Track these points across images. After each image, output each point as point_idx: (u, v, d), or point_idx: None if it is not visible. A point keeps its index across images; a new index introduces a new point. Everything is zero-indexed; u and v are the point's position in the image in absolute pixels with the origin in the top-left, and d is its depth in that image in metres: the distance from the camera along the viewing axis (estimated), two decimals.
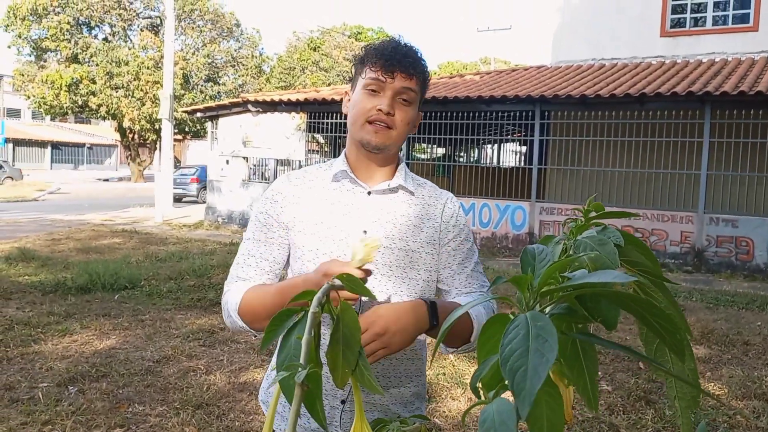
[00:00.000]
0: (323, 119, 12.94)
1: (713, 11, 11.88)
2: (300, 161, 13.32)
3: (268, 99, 13.13)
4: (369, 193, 1.42)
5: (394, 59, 1.34)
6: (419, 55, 1.40)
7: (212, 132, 14.50)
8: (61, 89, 27.25)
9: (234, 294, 1.39)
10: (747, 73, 10.16)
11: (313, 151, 14.48)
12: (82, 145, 45.28)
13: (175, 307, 6.20)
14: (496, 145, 17.91)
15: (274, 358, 1.54)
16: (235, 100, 14.21)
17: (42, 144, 42.46)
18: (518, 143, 18.84)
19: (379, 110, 1.34)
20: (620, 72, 11.62)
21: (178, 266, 8.33)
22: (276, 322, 0.79)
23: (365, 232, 1.39)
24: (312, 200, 1.43)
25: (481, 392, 0.61)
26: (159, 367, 4.45)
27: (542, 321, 0.55)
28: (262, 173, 14.02)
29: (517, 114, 11.24)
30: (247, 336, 5.30)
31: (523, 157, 17.60)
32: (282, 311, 0.80)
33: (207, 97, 30.14)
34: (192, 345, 4.97)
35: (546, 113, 11.10)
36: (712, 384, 4.43)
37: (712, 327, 5.88)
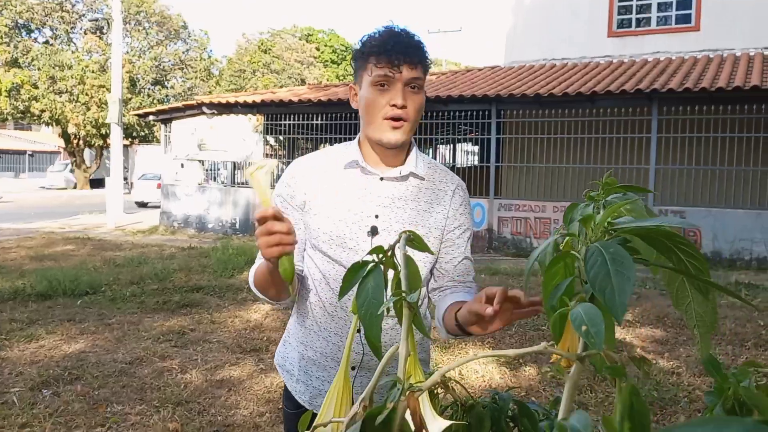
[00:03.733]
0: (281, 120, 12.89)
1: (657, 12, 12.38)
2: None
3: (223, 101, 12.99)
4: (381, 179, 1.46)
5: (399, 52, 1.36)
6: (418, 39, 1.43)
7: (166, 135, 14.26)
8: (0, 94, 26.27)
9: (251, 272, 1.46)
10: (691, 70, 10.63)
11: (273, 155, 14.39)
12: (23, 152, 43.70)
13: (140, 311, 6.11)
14: (450, 145, 18.16)
15: (289, 323, 1.60)
16: (189, 102, 14.01)
17: None
18: (471, 143, 19.16)
19: (394, 105, 1.37)
20: (571, 71, 11.98)
21: (138, 271, 8.19)
22: (350, 274, 0.86)
23: (377, 216, 1.43)
24: (325, 185, 1.47)
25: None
26: (132, 368, 4.39)
27: (613, 248, 0.64)
28: (215, 177, 13.87)
29: (473, 113, 11.46)
30: (219, 335, 5.28)
31: (476, 157, 17.91)
32: (354, 264, 0.87)
33: (155, 101, 29.54)
34: (164, 346, 4.92)
35: (501, 112, 11.35)
36: (672, 363, 4.66)
37: (667, 311, 6.16)
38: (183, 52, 32.64)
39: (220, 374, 4.33)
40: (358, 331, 1.22)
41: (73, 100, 27.23)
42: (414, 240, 0.94)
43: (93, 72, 27.58)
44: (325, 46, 41.10)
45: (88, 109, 27.40)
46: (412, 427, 0.56)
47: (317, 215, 1.45)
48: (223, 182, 13.71)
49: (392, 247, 0.90)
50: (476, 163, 15.92)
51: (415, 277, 0.88)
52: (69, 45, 29.88)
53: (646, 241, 0.71)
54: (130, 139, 31.07)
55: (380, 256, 0.86)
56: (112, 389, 3.96)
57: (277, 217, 1.10)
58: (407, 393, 0.57)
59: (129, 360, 4.55)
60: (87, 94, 27.15)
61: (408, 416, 0.57)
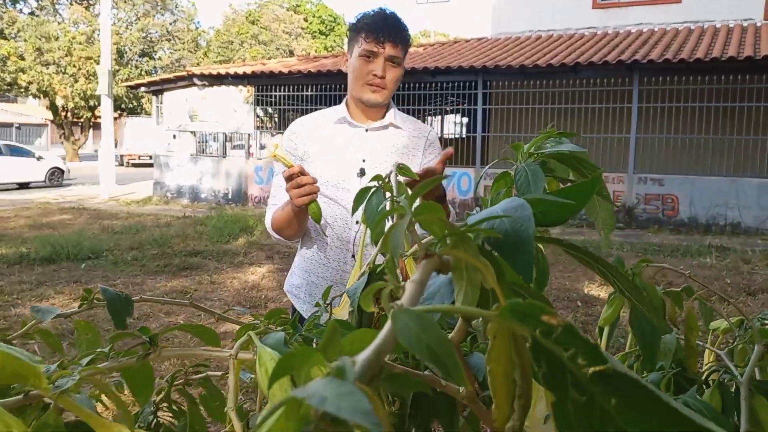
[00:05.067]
0: (271, 92, 13.08)
1: None
2: (249, 134, 13.46)
3: (214, 72, 13.15)
4: (366, 130, 1.81)
5: (385, 32, 1.70)
6: (403, 24, 1.77)
7: (157, 107, 14.41)
8: None
9: (269, 216, 1.80)
10: (672, 42, 10.92)
11: (262, 127, 14.58)
12: (10, 125, 43.40)
13: (143, 273, 6.42)
14: (438, 116, 18.40)
15: (295, 258, 1.92)
16: (179, 73, 14.14)
17: None
18: (459, 114, 19.39)
19: (375, 75, 1.72)
20: (556, 43, 12.23)
21: (137, 237, 8.47)
22: (360, 195, 1.17)
23: (364, 160, 1.77)
24: (320, 138, 1.81)
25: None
26: (140, 323, 4.72)
27: (533, 167, 0.96)
28: (205, 149, 14.09)
29: (460, 84, 11.71)
30: (220, 294, 5.61)
31: (463, 128, 18.17)
32: (362, 189, 1.18)
33: (143, 72, 29.46)
34: (168, 304, 5.24)
35: (488, 83, 11.61)
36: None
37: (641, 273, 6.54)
38: (170, 24, 32.45)
39: (223, 327, 4.67)
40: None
41: (61, 72, 27.13)
42: (403, 169, 1.26)
43: (80, 43, 27.43)
44: (313, 17, 40.89)
45: (76, 81, 27.32)
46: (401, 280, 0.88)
47: (315, 163, 1.78)
48: (216, 153, 13.91)
49: (388, 176, 1.22)
50: (464, 134, 16.20)
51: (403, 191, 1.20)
52: (55, 16, 29.63)
53: (560, 162, 1.03)
54: (118, 112, 31.03)
55: (379, 182, 1.18)
56: (125, 341, 4.28)
57: (303, 173, 1.45)
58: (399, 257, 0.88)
59: (137, 315, 4.86)
60: (75, 66, 27.05)
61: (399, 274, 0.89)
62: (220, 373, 1.04)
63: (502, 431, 0.42)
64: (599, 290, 5.79)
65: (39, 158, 18.30)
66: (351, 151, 1.78)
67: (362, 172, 1.75)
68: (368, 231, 1.20)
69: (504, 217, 0.48)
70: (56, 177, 18.44)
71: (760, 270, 6.68)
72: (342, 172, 1.76)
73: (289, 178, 1.48)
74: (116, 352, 0.71)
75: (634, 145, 10.36)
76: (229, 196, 13.42)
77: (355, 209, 1.16)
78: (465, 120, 18.25)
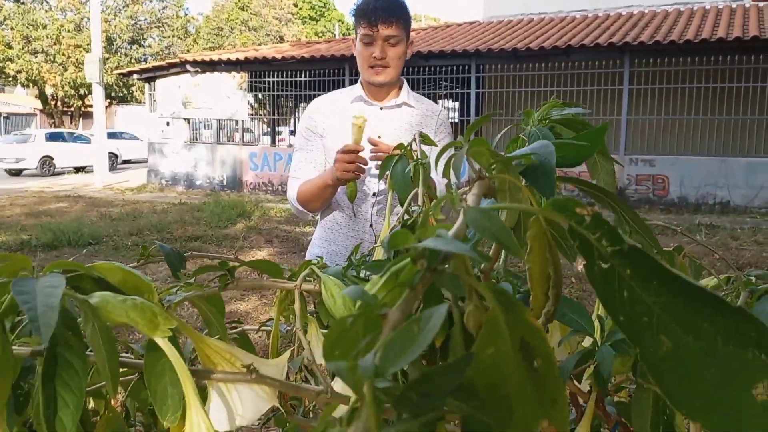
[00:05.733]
0: (265, 78, 13.11)
1: None
2: (243, 120, 13.50)
3: (206, 59, 13.16)
4: (381, 108, 1.93)
5: (376, 15, 1.80)
6: (395, 3, 1.85)
7: (150, 94, 14.41)
8: None
9: (293, 189, 1.92)
10: (662, 24, 11.03)
11: (256, 115, 14.61)
12: None
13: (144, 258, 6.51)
14: (432, 101, 18.45)
15: (315, 231, 2.04)
16: (172, 60, 14.14)
17: None
18: (452, 99, 19.47)
19: (374, 57, 1.83)
20: (548, 26, 12.32)
21: (135, 224, 8.56)
22: (386, 162, 1.28)
23: (379, 136, 1.88)
24: (338, 115, 1.92)
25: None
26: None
27: (544, 130, 1.07)
28: (197, 136, 14.12)
29: (453, 68, 11.79)
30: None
31: (456, 112, 18.25)
32: (388, 157, 1.29)
33: (132, 60, 29.28)
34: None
35: (480, 67, 11.69)
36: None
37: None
38: (159, 10, 32.21)
39: (228, 308, 4.79)
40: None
41: (50, 61, 26.94)
42: (423, 137, 1.37)
43: (69, 31, 27.22)
44: (303, 2, 40.68)
45: (66, 69, 27.14)
46: None
47: (334, 138, 1.90)
48: (212, 140, 13.93)
49: (410, 144, 1.34)
50: (457, 117, 16.30)
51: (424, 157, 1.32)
52: (42, 4, 29.34)
53: (566, 127, 1.14)
54: (109, 100, 30.88)
55: (402, 150, 1.30)
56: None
57: (360, 152, 1.61)
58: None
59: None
60: (63, 54, 26.86)
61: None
62: (254, 327, 1.16)
63: (538, 316, 0.54)
64: None
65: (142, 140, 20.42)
66: (367, 127, 1.89)
67: None
68: (389, 195, 1.32)
69: (533, 154, 0.60)
70: (111, 162, 19.49)
71: (748, 246, 6.86)
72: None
73: (347, 151, 1.63)
74: (198, 284, 0.82)
75: (626, 127, 10.50)
76: (224, 183, 13.49)
77: (381, 174, 1.28)
78: (457, 105, 18.34)
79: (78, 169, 19.24)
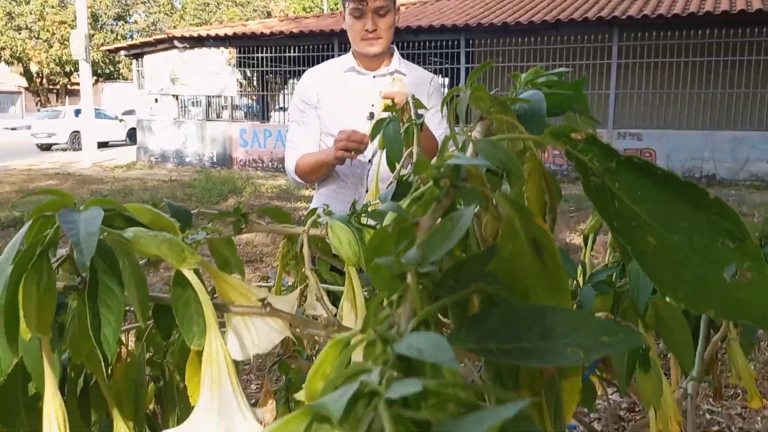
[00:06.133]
0: (253, 53, 13.02)
1: None
2: (233, 97, 13.43)
3: (194, 34, 13.04)
4: (374, 77, 1.97)
5: None
6: None
7: (138, 70, 14.28)
8: None
9: (291, 161, 1.97)
10: None
11: (244, 93, 14.52)
12: None
13: None
14: None
15: (313, 198, 2.09)
16: (160, 36, 14.00)
17: None
18: (442, 74, 19.41)
19: (366, 30, 1.86)
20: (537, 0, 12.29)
21: (126, 200, 8.48)
22: (377, 125, 1.34)
23: (372, 105, 1.92)
24: (331, 86, 1.97)
25: None
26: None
27: (533, 91, 1.13)
28: (186, 113, 14.04)
29: (442, 43, 11.76)
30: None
31: (445, 88, 18.19)
32: (378, 120, 1.34)
33: (119, 37, 28.91)
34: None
35: (470, 42, 11.68)
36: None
37: None
38: None
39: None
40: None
41: (34, 37, 26.55)
42: (416, 102, 1.42)
43: (53, 7, 26.78)
44: None
45: (51, 46, 26.78)
46: None
47: (328, 108, 1.95)
48: (202, 116, 13.86)
49: (401, 106, 1.39)
50: (446, 92, 16.28)
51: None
52: None
53: (550, 88, 1.20)
54: (94, 77, 30.51)
55: (393, 113, 1.35)
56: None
57: (364, 141, 1.66)
58: None
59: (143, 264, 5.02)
60: (48, 31, 26.47)
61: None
62: (256, 284, 1.22)
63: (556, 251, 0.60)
64: (579, 239, 6.04)
65: (120, 120, 20.95)
66: (360, 96, 1.93)
67: (371, 116, 1.90)
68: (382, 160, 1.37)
69: (525, 101, 0.66)
70: (134, 137, 19.73)
71: None
72: (352, 116, 1.91)
73: (355, 134, 1.67)
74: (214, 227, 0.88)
75: (614, 101, 10.56)
76: (215, 159, 13.46)
77: (374, 135, 1.33)
78: (446, 80, 18.31)
79: (101, 144, 19.08)
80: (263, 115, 14.33)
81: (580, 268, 1.12)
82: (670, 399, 1.00)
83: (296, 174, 1.94)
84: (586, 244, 1.26)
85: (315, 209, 0.89)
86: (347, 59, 1.99)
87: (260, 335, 0.78)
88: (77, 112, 19.57)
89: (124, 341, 1.00)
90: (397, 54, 2.02)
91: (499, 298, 0.40)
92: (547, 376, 0.41)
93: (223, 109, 14.09)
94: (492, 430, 0.25)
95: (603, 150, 0.49)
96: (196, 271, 0.68)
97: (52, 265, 0.73)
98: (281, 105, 14.77)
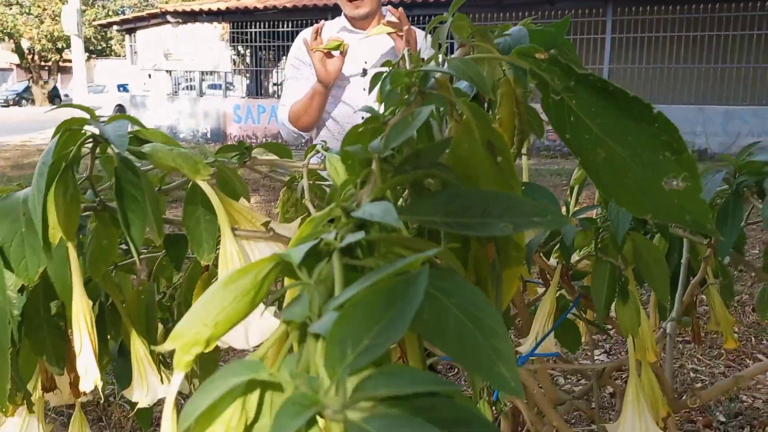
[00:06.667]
0: (247, 29, 12.96)
1: None
2: (227, 72, 13.39)
3: (188, 9, 12.97)
4: (366, 36, 2.03)
5: None
6: None
7: (131, 46, 14.21)
8: None
9: (284, 112, 2.04)
10: None
11: (238, 70, 14.46)
12: None
13: None
14: None
15: None
16: (152, 11, 13.90)
17: None
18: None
19: None
20: None
21: None
22: (375, 77, 1.40)
23: (366, 62, 2.00)
24: (324, 44, 2.01)
25: None
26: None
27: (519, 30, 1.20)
28: (189, 86, 13.99)
29: (433, 18, 11.72)
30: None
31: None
32: (377, 73, 1.41)
33: (110, 12, 28.62)
34: (171, 228, 5.46)
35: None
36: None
37: None
38: None
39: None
40: None
41: (25, 13, 26.26)
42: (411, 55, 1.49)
43: None
44: None
45: (42, 22, 26.50)
46: None
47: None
48: (194, 90, 13.82)
49: (397, 63, 1.46)
50: None
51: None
52: None
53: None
54: (87, 54, 30.24)
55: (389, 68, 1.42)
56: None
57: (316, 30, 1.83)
58: None
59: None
60: (39, 6, 26.18)
61: None
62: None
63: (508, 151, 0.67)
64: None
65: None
66: (354, 53, 1.99)
67: (364, 72, 1.98)
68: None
69: (509, 35, 0.73)
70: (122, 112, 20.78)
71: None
72: (347, 71, 1.98)
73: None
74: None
75: (608, 76, 10.60)
76: (209, 135, 13.46)
77: (372, 87, 1.40)
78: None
79: None
80: (257, 91, 14.30)
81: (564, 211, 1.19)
82: (647, 329, 1.08)
83: (290, 120, 2.00)
84: (571, 195, 1.34)
85: (314, 145, 0.96)
86: (340, 20, 2.07)
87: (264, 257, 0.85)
88: (120, 87, 20.80)
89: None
90: (388, 13, 2.07)
91: (450, 184, 0.47)
92: (490, 261, 0.49)
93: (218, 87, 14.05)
94: (413, 265, 0.32)
95: (563, 69, 0.56)
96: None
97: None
98: (275, 81, 14.73)
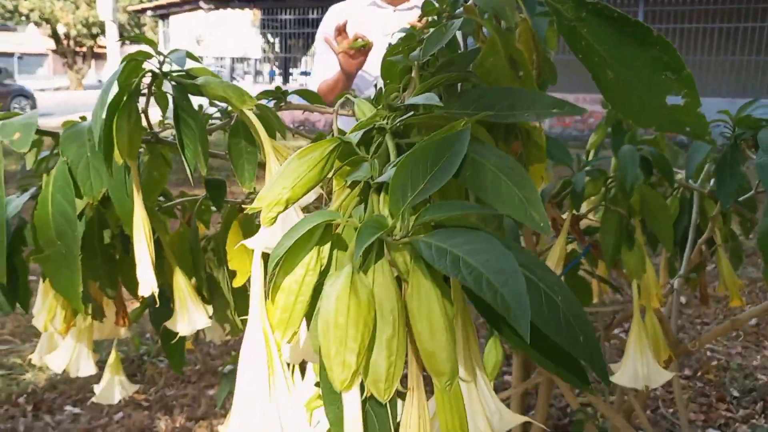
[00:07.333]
0: (278, 15, 13.07)
1: None
2: (257, 59, 13.54)
3: None
4: (394, 11, 2.11)
5: None
6: None
7: (164, 31, 14.43)
8: None
9: (313, 86, 2.11)
10: None
11: (267, 58, 14.59)
12: (11, 55, 42.97)
13: (168, 185, 6.77)
14: None
15: None
16: None
17: None
18: None
19: None
20: None
21: None
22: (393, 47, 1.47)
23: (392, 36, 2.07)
24: (352, 20, 2.08)
25: None
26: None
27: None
28: (218, 72, 14.18)
29: None
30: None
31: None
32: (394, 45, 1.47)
33: None
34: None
35: None
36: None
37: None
38: None
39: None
40: None
41: None
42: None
43: None
44: None
45: (77, 7, 26.96)
46: None
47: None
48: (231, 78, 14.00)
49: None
50: None
51: None
52: None
53: None
54: (119, 41, 30.66)
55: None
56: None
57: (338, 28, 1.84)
58: None
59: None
60: None
61: None
62: None
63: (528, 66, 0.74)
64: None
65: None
66: (381, 29, 2.06)
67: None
68: None
69: None
70: None
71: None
72: (372, 49, 2.05)
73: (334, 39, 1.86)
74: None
75: None
76: None
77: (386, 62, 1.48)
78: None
79: None
80: (285, 78, 14.42)
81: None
82: (651, 274, 1.14)
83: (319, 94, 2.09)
84: (588, 156, 1.40)
85: (344, 92, 1.03)
86: None
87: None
88: None
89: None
90: None
91: (479, 86, 0.55)
92: (516, 154, 0.56)
93: (245, 73, 14.19)
94: (455, 127, 0.40)
95: (576, 1, 0.63)
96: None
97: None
98: (303, 69, 14.84)
